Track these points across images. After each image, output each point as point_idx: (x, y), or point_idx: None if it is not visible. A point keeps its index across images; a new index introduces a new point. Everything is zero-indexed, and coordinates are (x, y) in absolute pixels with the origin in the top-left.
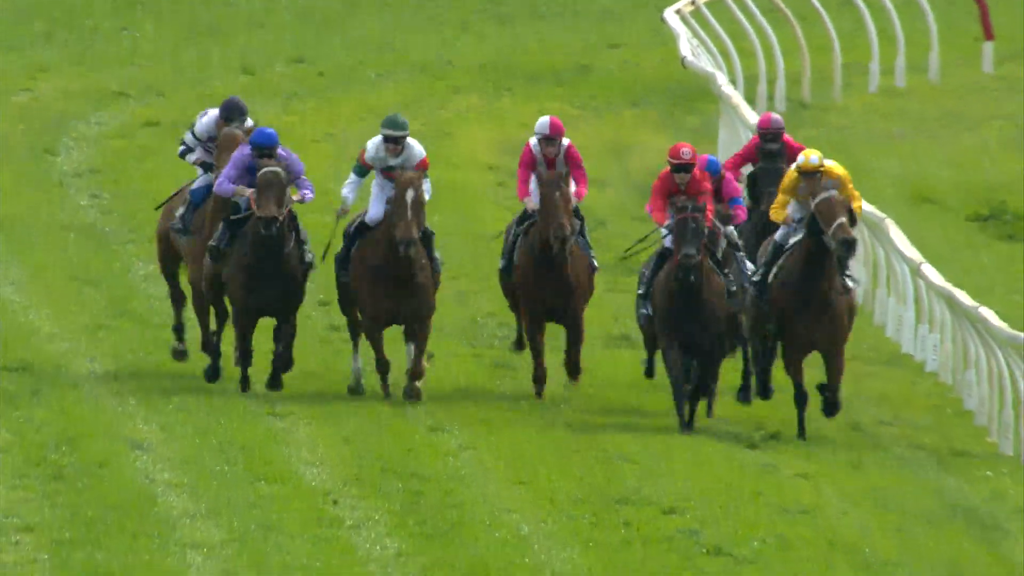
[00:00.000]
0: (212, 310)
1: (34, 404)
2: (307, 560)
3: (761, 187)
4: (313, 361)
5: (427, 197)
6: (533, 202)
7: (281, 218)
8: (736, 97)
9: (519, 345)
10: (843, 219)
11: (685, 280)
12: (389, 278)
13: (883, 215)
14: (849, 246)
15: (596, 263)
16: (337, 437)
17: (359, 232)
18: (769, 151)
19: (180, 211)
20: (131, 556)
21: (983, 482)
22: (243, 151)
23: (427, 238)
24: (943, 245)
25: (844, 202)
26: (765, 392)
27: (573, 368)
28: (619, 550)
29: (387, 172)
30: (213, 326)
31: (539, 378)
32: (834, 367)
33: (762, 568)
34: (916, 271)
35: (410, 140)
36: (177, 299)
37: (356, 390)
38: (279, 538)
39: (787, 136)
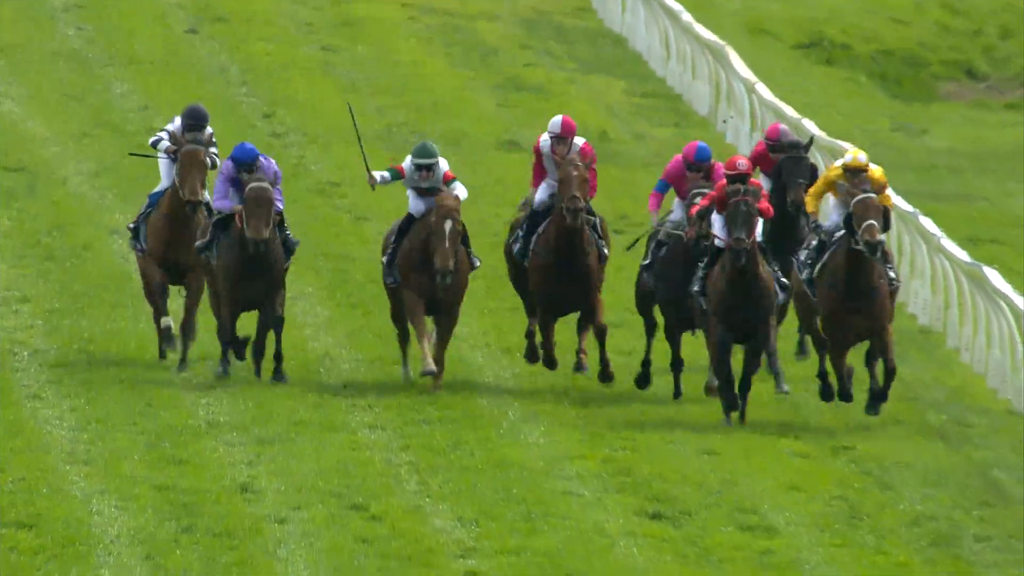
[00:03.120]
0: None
1: (30, 197)
2: (251, 326)
3: (787, 177)
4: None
5: (464, 196)
6: (539, 197)
7: (268, 236)
8: None
9: (531, 356)
10: (873, 221)
11: (736, 262)
12: (430, 271)
13: (723, 43)
14: (873, 248)
15: (607, 252)
16: None
17: (404, 227)
18: (794, 143)
19: (138, 215)
20: (109, 323)
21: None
22: (228, 165)
23: (464, 240)
24: (774, 69)
25: (879, 206)
26: (844, 395)
27: (604, 367)
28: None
29: (418, 190)
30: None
31: (549, 360)
32: (885, 343)
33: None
34: (751, 89)
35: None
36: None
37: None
38: None
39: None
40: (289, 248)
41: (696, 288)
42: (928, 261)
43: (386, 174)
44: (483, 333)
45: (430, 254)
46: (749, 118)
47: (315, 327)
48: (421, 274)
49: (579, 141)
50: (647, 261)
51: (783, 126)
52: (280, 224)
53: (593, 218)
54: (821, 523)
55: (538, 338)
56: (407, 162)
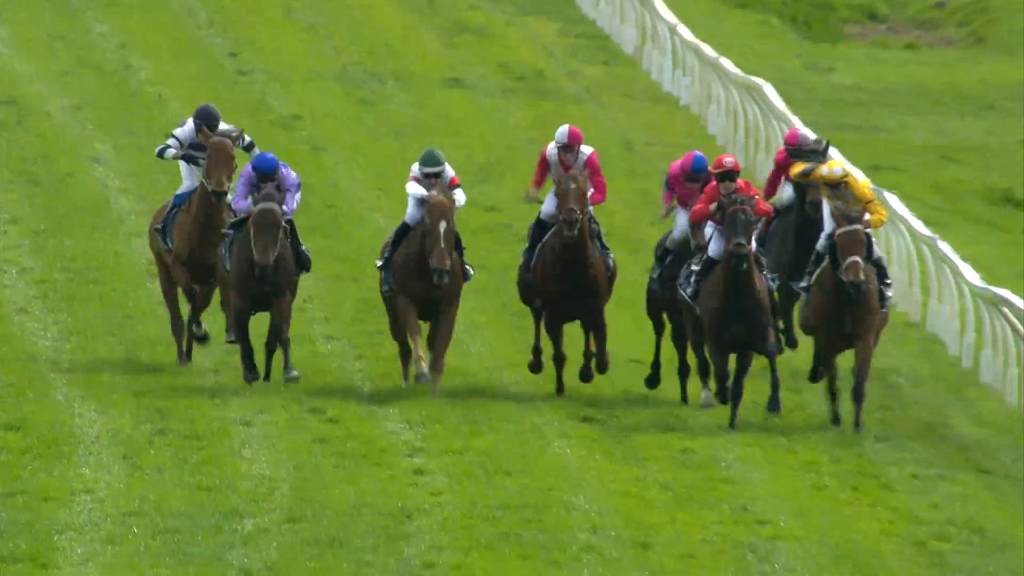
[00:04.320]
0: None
1: (18, 129)
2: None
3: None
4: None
5: (462, 202)
6: (545, 208)
7: (275, 259)
8: None
9: (537, 366)
10: (857, 258)
11: (737, 268)
12: (425, 276)
13: None
14: (856, 288)
15: (613, 264)
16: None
17: (399, 236)
18: (811, 148)
19: (164, 215)
20: (90, 243)
21: None
22: (248, 171)
23: (458, 247)
24: (693, 12)
25: (863, 240)
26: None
27: (601, 365)
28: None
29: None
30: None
31: (558, 359)
32: (862, 362)
33: None
34: (673, 30)
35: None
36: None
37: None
38: None
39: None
40: (303, 262)
41: (689, 292)
42: None
43: (412, 189)
44: None
45: (426, 259)
46: (671, 56)
47: None
48: (416, 281)
49: (586, 150)
50: (656, 274)
51: (801, 131)
52: (294, 237)
53: (595, 226)
54: (736, 424)
55: (547, 351)
56: (414, 170)
